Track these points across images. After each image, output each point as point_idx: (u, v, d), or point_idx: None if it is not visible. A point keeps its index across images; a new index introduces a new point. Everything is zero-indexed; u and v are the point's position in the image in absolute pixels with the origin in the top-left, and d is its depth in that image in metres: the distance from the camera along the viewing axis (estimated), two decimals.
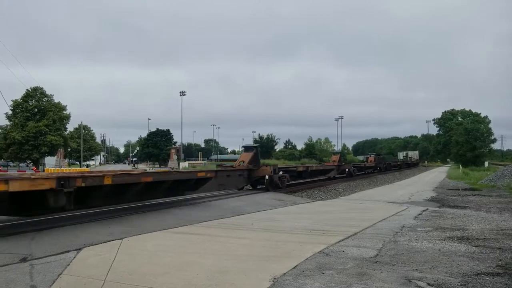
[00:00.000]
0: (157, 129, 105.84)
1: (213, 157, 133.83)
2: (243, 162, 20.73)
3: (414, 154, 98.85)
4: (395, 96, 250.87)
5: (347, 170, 34.72)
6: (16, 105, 58.95)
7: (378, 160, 49.11)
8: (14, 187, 8.55)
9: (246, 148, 23.20)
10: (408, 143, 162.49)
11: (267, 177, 20.44)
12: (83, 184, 10.19)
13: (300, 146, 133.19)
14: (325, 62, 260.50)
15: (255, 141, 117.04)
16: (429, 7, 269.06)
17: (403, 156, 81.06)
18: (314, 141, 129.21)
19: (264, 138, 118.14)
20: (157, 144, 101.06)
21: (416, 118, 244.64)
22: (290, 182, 23.04)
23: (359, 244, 8.56)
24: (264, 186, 20.63)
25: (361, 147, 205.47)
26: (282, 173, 21.74)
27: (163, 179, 13.38)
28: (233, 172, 19.47)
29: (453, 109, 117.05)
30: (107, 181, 10.86)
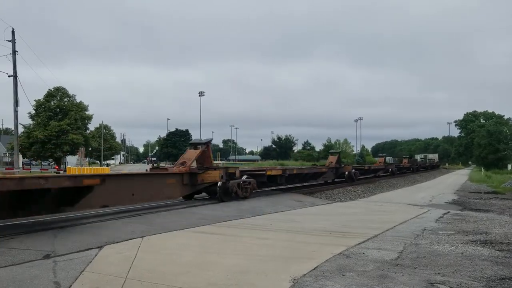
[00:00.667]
0: (176, 129, 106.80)
1: (231, 157, 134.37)
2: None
3: (434, 157, 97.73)
4: (415, 97, 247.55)
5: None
6: (39, 105, 60.05)
7: (411, 162, 57.31)
8: None
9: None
10: (428, 145, 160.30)
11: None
12: None
13: (319, 147, 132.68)
14: (342, 62, 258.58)
15: (274, 142, 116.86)
16: (445, 5, 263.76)
17: (421, 158, 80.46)
18: (333, 143, 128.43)
19: (283, 139, 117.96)
20: (176, 144, 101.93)
21: (437, 120, 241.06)
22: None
23: (380, 247, 8.47)
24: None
25: (381, 149, 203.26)
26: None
27: None
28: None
29: (475, 111, 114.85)
30: None
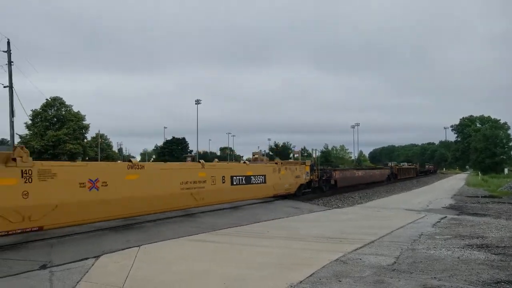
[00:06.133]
0: (173, 137, 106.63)
1: None
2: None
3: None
4: (412, 102, 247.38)
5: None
6: (35, 115, 59.97)
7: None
8: None
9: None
10: (425, 150, 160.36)
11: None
12: None
13: (317, 154, 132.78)
14: (322, 68, 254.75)
15: (271, 148, 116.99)
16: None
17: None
18: (330, 149, 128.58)
19: (280, 145, 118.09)
20: (173, 152, 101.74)
21: (434, 125, 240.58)
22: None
23: (377, 252, 8.49)
24: None
25: (378, 154, 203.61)
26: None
27: None
28: None
29: (471, 115, 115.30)
30: None
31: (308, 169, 23.41)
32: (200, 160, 15.82)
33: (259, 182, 18.09)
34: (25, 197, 8.84)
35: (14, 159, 8.73)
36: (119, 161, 17.42)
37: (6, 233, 8.52)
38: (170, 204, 13.06)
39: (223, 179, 15.62)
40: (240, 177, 16.85)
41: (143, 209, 12.03)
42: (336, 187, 27.04)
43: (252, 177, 17.67)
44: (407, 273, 6.80)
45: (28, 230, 8.95)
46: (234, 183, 16.34)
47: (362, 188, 31.03)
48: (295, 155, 25.07)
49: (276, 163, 21.02)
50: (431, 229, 11.79)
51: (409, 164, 70.80)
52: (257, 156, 22.77)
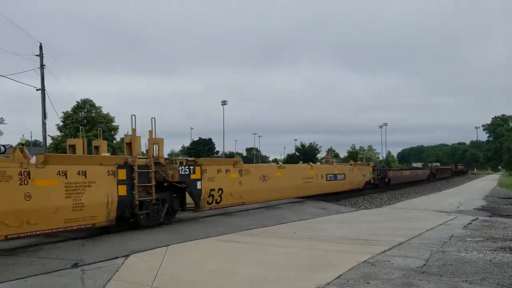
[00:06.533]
0: (200, 138, 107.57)
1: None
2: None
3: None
4: (441, 101, 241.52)
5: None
6: (66, 117, 61.39)
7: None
8: None
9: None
10: (456, 150, 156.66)
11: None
12: None
13: (343, 154, 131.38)
14: (334, 67, 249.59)
15: (297, 149, 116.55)
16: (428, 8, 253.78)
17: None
18: (357, 149, 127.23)
19: (307, 146, 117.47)
20: (199, 153, 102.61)
21: (464, 124, 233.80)
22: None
23: (406, 254, 8.36)
24: None
25: (407, 155, 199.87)
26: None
27: None
28: None
29: (503, 114, 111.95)
30: None
31: (371, 169, 29.00)
32: (310, 163, 22.43)
33: (341, 179, 23.81)
34: (240, 185, 15.31)
35: (236, 163, 15.24)
36: (264, 163, 23.37)
37: (231, 205, 15.25)
38: (297, 192, 19.41)
39: (321, 176, 21.54)
40: (331, 175, 22.74)
41: (282, 195, 18.26)
42: (389, 184, 32.80)
43: (338, 175, 23.50)
44: (437, 275, 6.67)
45: (240, 203, 15.59)
46: (328, 179, 22.22)
47: (409, 186, 36.22)
48: (361, 157, 31.94)
49: (351, 164, 26.77)
50: (462, 231, 11.54)
51: (445, 165, 77.47)
52: (328, 158, 28.50)
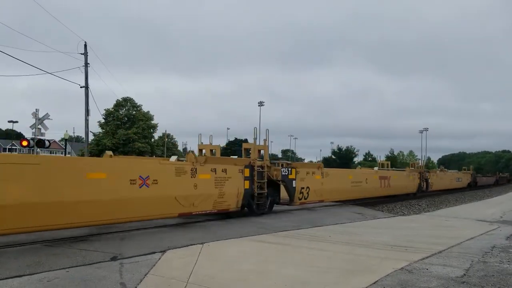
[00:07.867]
0: (235, 138, 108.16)
1: None
2: None
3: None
4: (484, 106, 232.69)
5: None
6: (108, 114, 63.08)
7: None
8: None
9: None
10: (500, 158, 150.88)
11: None
12: None
13: (382, 158, 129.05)
14: (367, 70, 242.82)
15: (334, 152, 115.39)
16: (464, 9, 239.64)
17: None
18: (396, 154, 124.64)
19: (343, 149, 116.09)
20: (235, 153, 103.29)
21: (509, 131, 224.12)
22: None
23: (445, 263, 8.12)
24: None
25: (448, 161, 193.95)
26: None
27: None
28: None
29: None
30: None
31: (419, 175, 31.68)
32: (376, 167, 25.77)
33: (397, 183, 26.29)
34: (322, 185, 17.67)
35: (319, 167, 18.12)
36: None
37: (314, 201, 17.93)
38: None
39: (393, 179, 24.70)
40: (398, 178, 26.59)
41: (353, 195, 20.67)
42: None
43: (403, 178, 27.88)
44: (478, 286, 6.45)
45: (321, 200, 18.22)
46: (396, 182, 25.46)
47: (451, 193, 37.67)
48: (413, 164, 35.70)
49: (405, 170, 30.59)
50: (505, 242, 11.10)
51: (487, 173, 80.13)
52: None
